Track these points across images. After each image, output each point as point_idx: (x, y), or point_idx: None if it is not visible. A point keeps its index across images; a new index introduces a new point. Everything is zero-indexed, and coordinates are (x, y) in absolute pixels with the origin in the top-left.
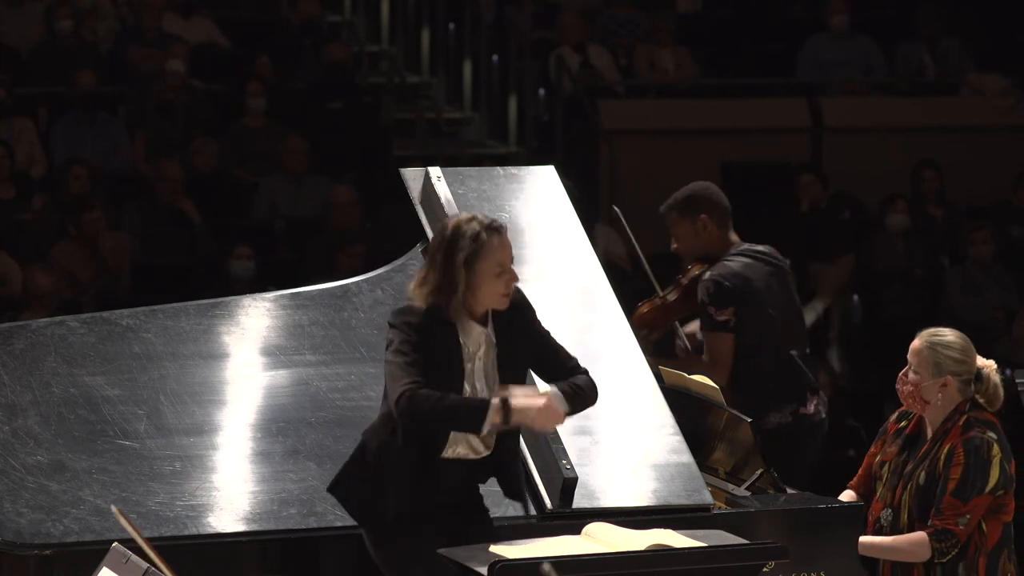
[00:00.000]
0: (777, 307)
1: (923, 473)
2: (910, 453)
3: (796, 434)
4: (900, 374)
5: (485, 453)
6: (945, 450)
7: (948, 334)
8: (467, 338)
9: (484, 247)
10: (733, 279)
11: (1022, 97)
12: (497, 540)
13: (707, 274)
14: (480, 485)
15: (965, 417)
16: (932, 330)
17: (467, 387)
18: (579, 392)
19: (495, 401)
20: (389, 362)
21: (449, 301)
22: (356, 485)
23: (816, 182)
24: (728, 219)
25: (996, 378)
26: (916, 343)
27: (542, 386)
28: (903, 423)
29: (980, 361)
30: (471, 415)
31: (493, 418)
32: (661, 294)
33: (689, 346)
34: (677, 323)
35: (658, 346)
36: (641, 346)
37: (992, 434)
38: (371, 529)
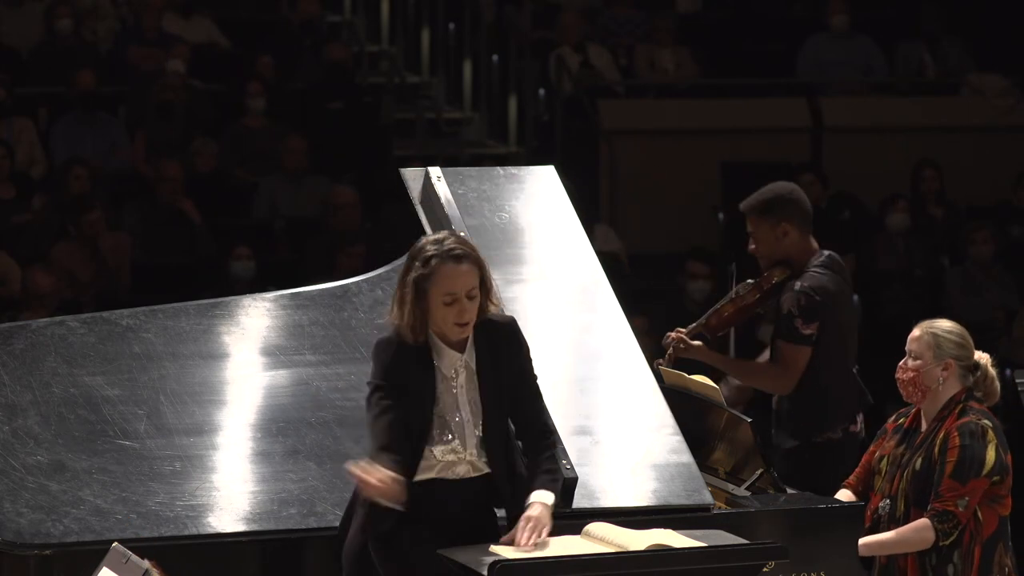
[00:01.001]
0: (848, 322)
1: (919, 459)
2: (908, 444)
3: (843, 451)
4: (900, 364)
5: (477, 473)
6: (941, 436)
7: (946, 322)
8: (440, 361)
9: (434, 272)
10: (823, 294)
11: (1022, 97)
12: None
13: (797, 284)
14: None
15: (961, 406)
16: (929, 320)
17: (441, 416)
18: (559, 479)
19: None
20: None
21: (406, 324)
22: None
23: (816, 182)
24: (810, 224)
25: (992, 372)
26: (915, 331)
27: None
28: (901, 420)
29: (977, 354)
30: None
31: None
32: (738, 295)
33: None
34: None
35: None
36: (710, 345)
37: (987, 421)
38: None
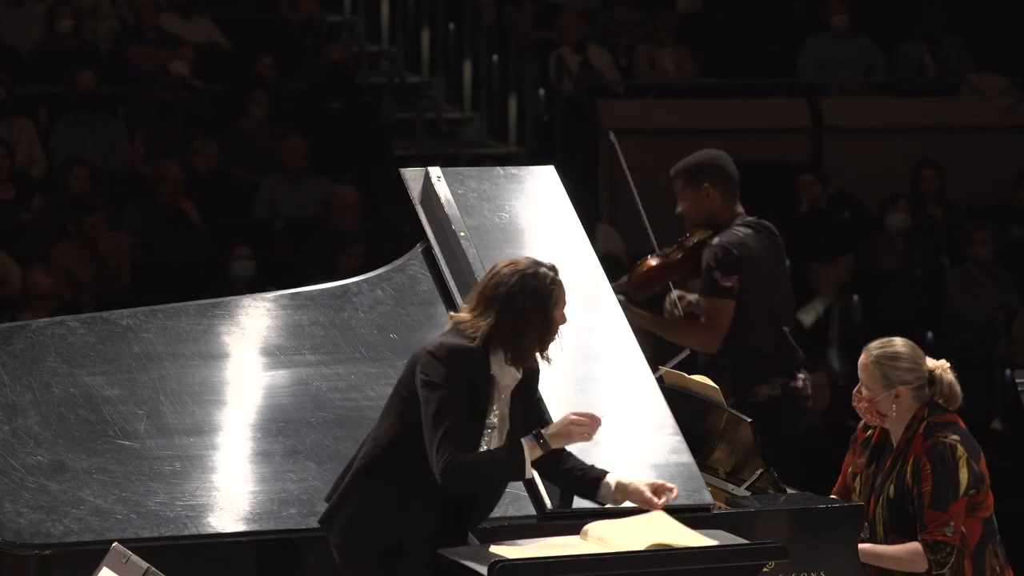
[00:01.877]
0: (774, 281)
1: (892, 486)
2: (878, 464)
3: (785, 407)
4: (854, 391)
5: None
6: (910, 463)
7: (893, 344)
8: (503, 380)
9: (560, 292)
10: (741, 248)
11: (1022, 97)
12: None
13: (715, 240)
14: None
15: (925, 424)
16: (877, 342)
17: (488, 428)
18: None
19: (526, 441)
20: (432, 412)
21: (534, 346)
22: (346, 518)
23: (816, 182)
24: (735, 189)
25: (950, 376)
26: (863, 358)
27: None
28: (869, 432)
29: (931, 363)
30: (510, 466)
31: (532, 455)
32: (663, 252)
33: (680, 310)
34: (670, 284)
35: (649, 304)
36: (631, 302)
37: (954, 436)
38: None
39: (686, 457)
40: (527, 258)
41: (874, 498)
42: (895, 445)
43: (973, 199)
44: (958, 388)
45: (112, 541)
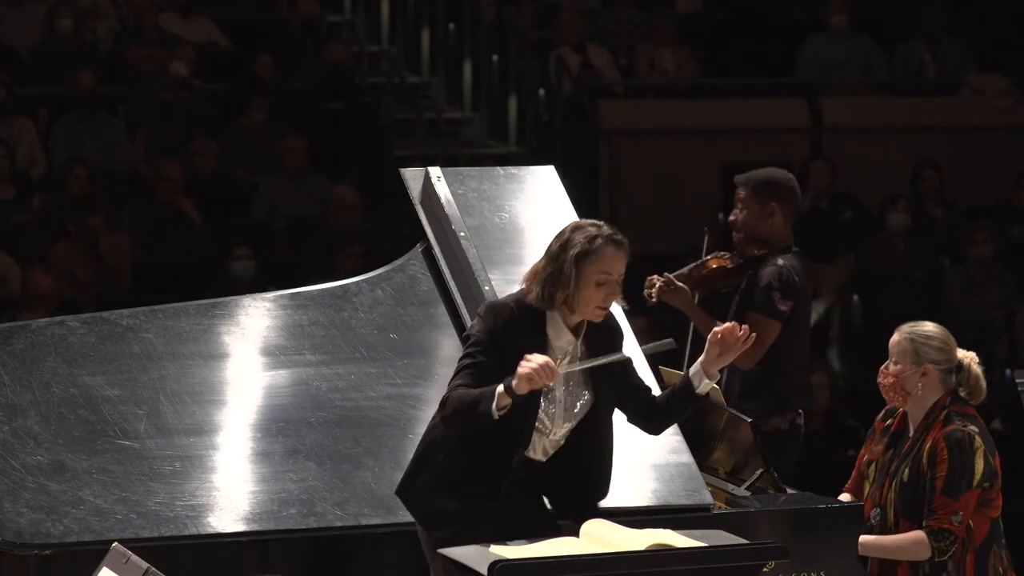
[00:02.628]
0: (807, 319)
1: (907, 470)
2: (895, 450)
3: (789, 443)
4: (881, 368)
5: (542, 458)
6: (928, 446)
7: (927, 325)
8: (557, 340)
9: (596, 252)
10: (800, 276)
11: (1022, 97)
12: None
13: (780, 261)
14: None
15: (946, 411)
16: (910, 323)
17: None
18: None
19: (500, 386)
20: (459, 360)
21: (553, 295)
22: (412, 479)
23: (827, 169)
24: (794, 216)
25: (977, 369)
26: (895, 336)
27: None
28: (888, 421)
29: (961, 353)
30: (483, 402)
31: (501, 401)
32: (724, 256)
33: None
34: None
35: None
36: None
37: (973, 427)
38: (433, 531)
39: (686, 457)
40: (593, 221)
41: (888, 482)
42: (913, 430)
43: (973, 199)
44: (984, 383)
45: (112, 541)
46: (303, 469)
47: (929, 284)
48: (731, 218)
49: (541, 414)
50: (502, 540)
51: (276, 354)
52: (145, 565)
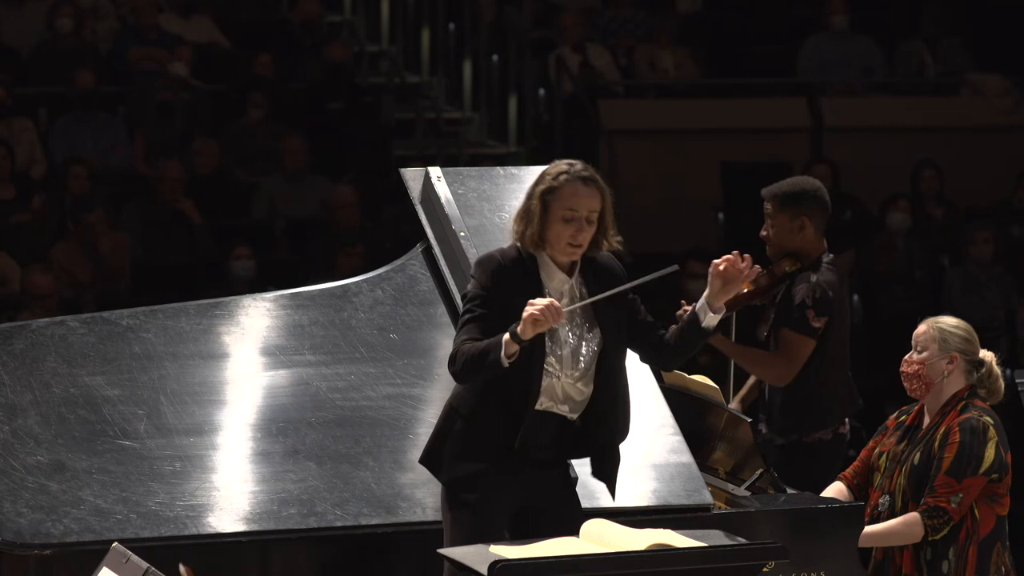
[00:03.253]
0: (847, 325)
1: (918, 454)
2: (909, 441)
3: (833, 452)
4: (904, 358)
5: (573, 415)
6: (942, 430)
7: (952, 318)
8: (549, 281)
9: (561, 187)
10: (835, 290)
11: (1022, 97)
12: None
13: (814, 277)
14: (574, 466)
15: (963, 403)
16: (935, 317)
17: (551, 328)
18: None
19: (507, 334)
20: (460, 317)
21: (523, 232)
22: (438, 447)
23: (828, 175)
24: (825, 224)
25: (997, 370)
26: (921, 327)
27: None
28: (903, 418)
29: (982, 352)
30: (492, 351)
31: (509, 348)
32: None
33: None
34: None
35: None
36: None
37: (989, 418)
38: (461, 494)
39: (686, 457)
40: (570, 160)
41: (899, 469)
42: (929, 420)
43: (973, 199)
44: (1002, 383)
45: (112, 541)
46: (303, 469)
47: (929, 284)
48: (762, 233)
49: (549, 357)
50: (525, 501)
51: (276, 354)
52: (145, 565)
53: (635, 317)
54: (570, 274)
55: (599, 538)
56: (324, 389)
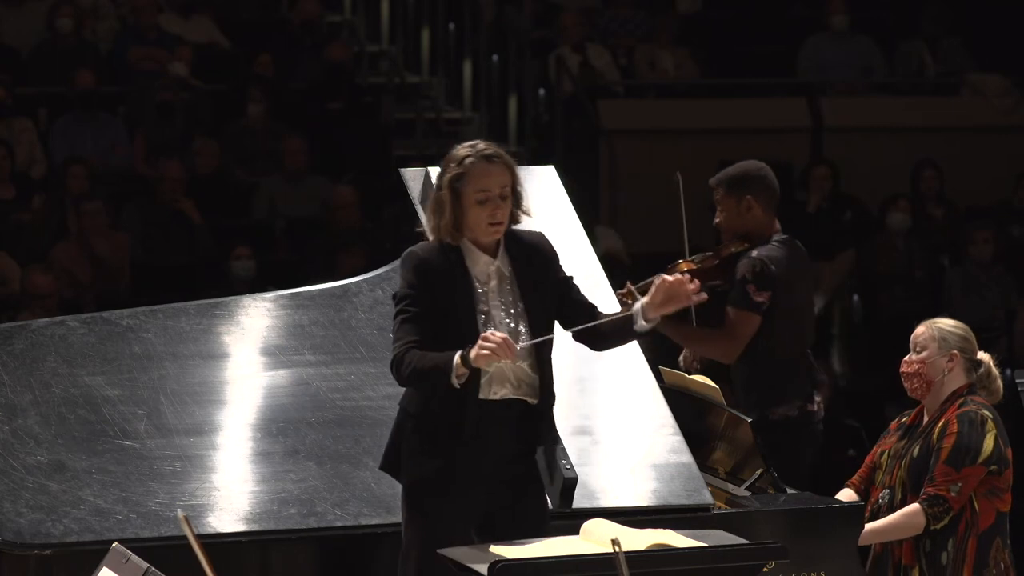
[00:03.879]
0: (803, 302)
1: (917, 447)
2: (909, 437)
3: (801, 430)
4: (904, 359)
5: (534, 400)
6: (940, 423)
7: (950, 320)
8: (475, 267)
9: (468, 171)
10: (778, 265)
11: (1022, 97)
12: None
13: (754, 252)
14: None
15: (962, 399)
16: (933, 318)
17: (481, 308)
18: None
19: (457, 355)
20: (394, 317)
21: (438, 224)
22: (394, 451)
23: (828, 176)
24: (776, 203)
25: (995, 370)
26: (920, 328)
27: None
28: (904, 419)
29: (980, 353)
30: (441, 372)
31: (458, 371)
32: (695, 259)
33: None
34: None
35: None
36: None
37: (987, 412)
38: (424, 497)
39: (686, 457)
40: (471, 142)
41: (898, 463)
42: (928, 418)
43: (973, 199)
44: (1000, 384)
45: (112, 541)
46: (303, 469)
47: (929, 284)
48: (716, 221)
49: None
50: (491, 502)
51: (276, 354)
52: (145, 565)
53: (567, 297)
54: (494, 255)
55: (599, 538)
56: (324, 389)
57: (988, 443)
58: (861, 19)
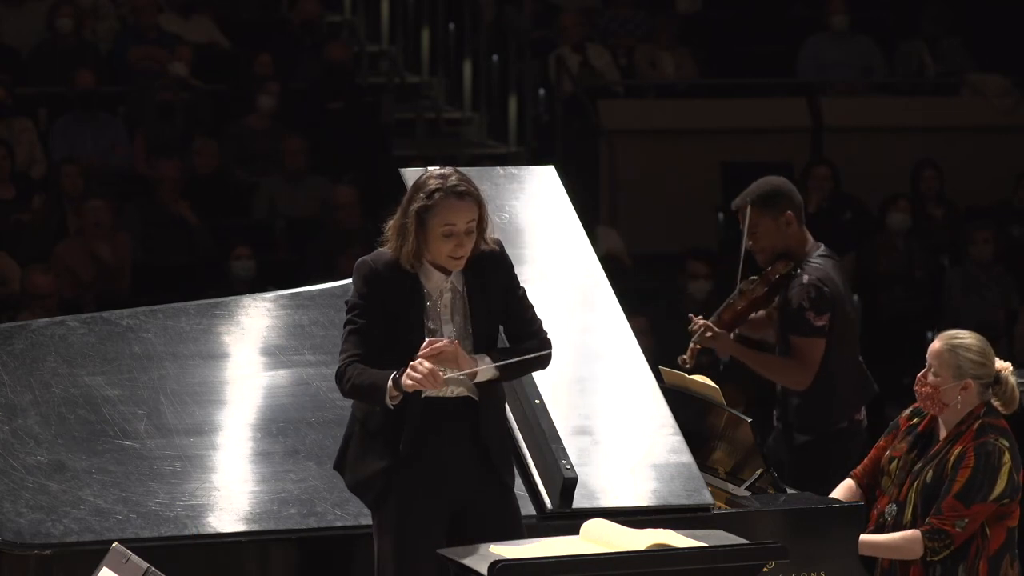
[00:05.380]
0: (851, 311)
1: (931, 472)
2: (920, 451)
3: (850, 441)
4: (919, 375)
5: (467, 392)
6: (956, 452)
7: (968, 337)
8: (428, 282)
9: (436, 205)
10: (831, 283)
11: (1022, 97)
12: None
13: (805, 278)
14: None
15: (980, 422)
16: (952, 332)
17: (429, 325)
18: (520, 352)
19: (392, 377)
20: (343, 327)
21: (401, 247)
22: (342, 453)
23: (828, 177)
24: (803, 214)
25: (1013, 380)
26: (936, 345)
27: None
28: (915, 420)
29: (998, 364)
30: (376, 393)
31: (390, 393)
32: (748, 289)
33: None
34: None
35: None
36: (729, 342)
37: (1005, 441)
38: (365, 497)
39: (686, 457)
40: (444, 169)
41: (909, 481)
42: (943, 435)
43: (973, 199)
44: (1017, 394)
45: (112, 541)
46: (303, 469)
47: (929, 284)
48: (748, 244)
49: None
50: (455, 504)
51: (276, 354)
52: (145, 565)
53: (512, 313)
54: (447, 272)
55: (599, 538)
56: (324, 389)
57: (1002, 481)
58: (861, 19)
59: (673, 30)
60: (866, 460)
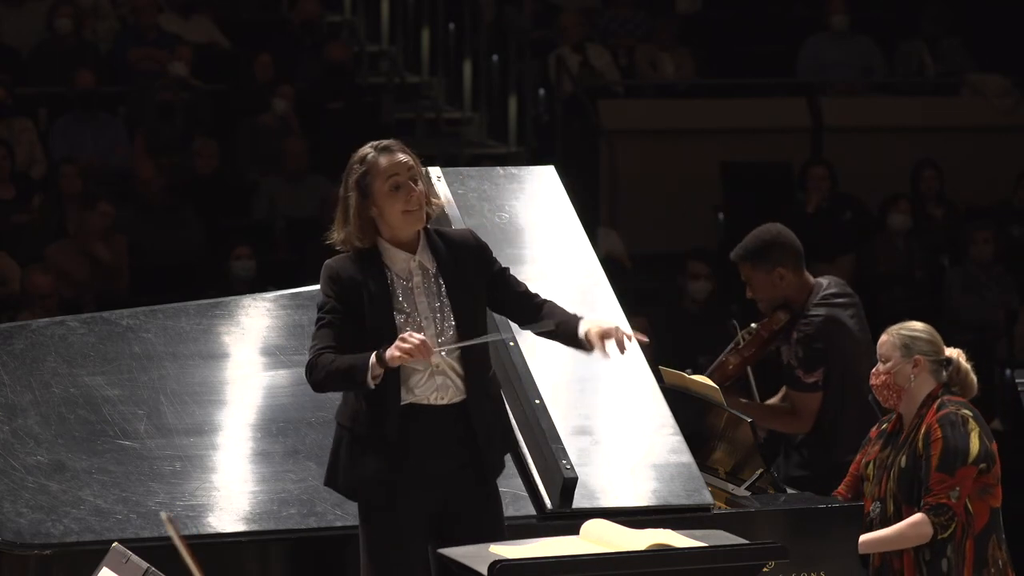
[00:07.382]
0: (859, 351)
1: (904, 457)
2: (892, 446)
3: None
4: (872, 371)
5: (459, 398)
6: (922, 431)
7: (912, 323)
8: (393, 265)
9: (373, 164)
10: (822, 339)
11: (1022, 97)
12: (497, 538)
13: (795, 335)
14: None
15: (939, 400)
16: (896, 324)
17: (398, 316)
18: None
19: (374, 355)
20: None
21: (352, 233)
22: (332, 464)
23: (826, 178)
24: (802, 261)
25: (966, 365)
26: (883, 337)
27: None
28: (884, 426)
29: (948, 350)
30: (356, 373)
31: (374, 371)
32: (742, 346)
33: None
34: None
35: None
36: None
37: (967, 411)
38: (367, 496)
39: (686, 457)
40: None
41: (886, 475)
42: (908, 424)
43: (973, 199)
44: (973, 377)
45: (112, 541)
46: (303, 469)
47: (929, 284)
48: (748, 295)
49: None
50: (420, 495)
51: (276, 354)
52: (145, 565)
53: (504, 290)
54: (413, 251)
55: (599, 538)
56: None
57: (974, 442)
58: (861, 19)
59: (673, 30)
60: (847, 476)
